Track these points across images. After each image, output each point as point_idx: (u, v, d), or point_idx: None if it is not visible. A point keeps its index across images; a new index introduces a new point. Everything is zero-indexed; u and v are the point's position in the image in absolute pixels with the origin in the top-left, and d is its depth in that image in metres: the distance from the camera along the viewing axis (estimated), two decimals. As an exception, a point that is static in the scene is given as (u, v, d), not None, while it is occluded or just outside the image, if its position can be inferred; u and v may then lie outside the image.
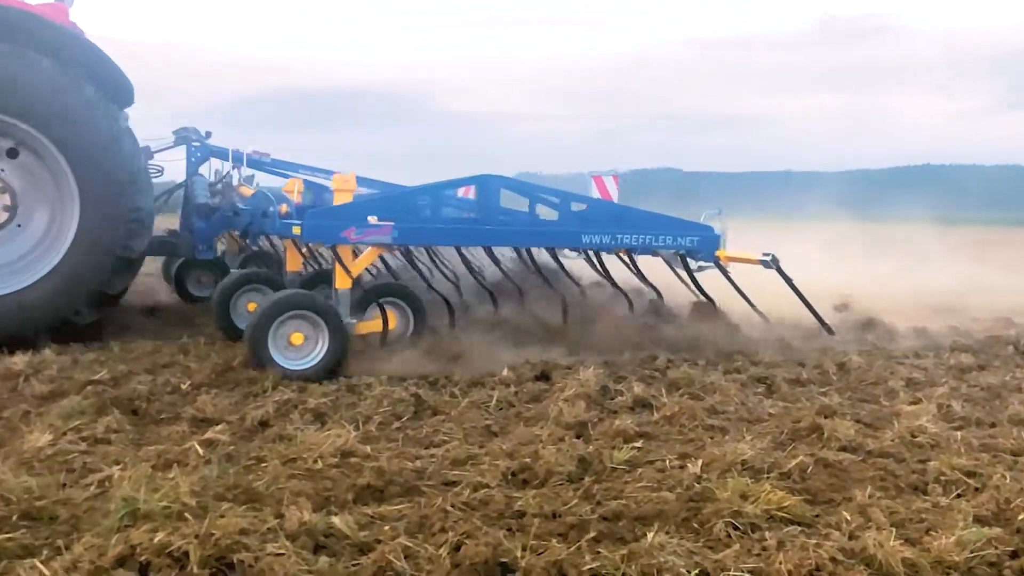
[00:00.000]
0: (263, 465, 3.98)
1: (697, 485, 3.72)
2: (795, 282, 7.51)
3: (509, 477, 3.87)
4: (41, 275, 6.74)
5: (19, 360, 5.77)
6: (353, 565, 2.95)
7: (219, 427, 4.54)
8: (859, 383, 6.12)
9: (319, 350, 5.93)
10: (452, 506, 3.43)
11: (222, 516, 3.09)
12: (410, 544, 3.04)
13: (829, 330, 7.68)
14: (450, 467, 4.02)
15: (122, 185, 6.89)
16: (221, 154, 9.56)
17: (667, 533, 3.21)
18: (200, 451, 4.14)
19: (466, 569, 2.89)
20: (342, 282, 6.30)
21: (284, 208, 7.34)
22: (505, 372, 5.93)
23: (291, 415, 4.86)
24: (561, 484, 3.79)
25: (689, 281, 7.59)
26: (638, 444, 4.35)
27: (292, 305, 5.93)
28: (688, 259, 7.41)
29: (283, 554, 2.89)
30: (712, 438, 4.56)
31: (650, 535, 3.13)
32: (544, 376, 5.94)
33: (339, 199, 6.73)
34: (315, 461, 3.96)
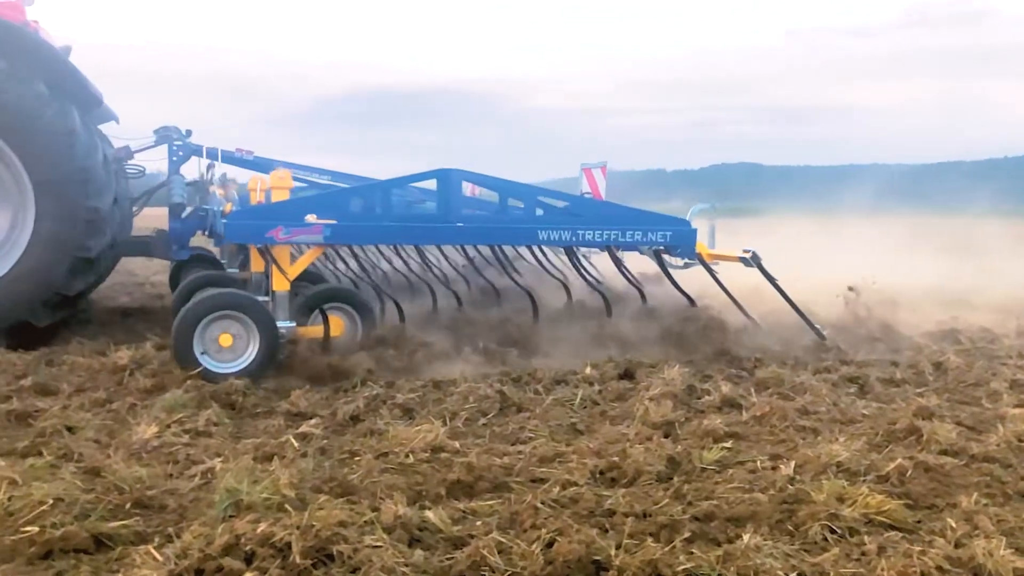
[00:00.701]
0: (356, 459, 4.08)
1: (791, 487, 3.65)
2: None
3: (597, 475, 3.87)
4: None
5: (124, 355, 6.04)
6: (447, 559, 3.00)
7: (312, 421, 4.68)
8: (958, 384, 5.89)
9: (249, 352, 5.70)
10: (542, 503, 3.45)
11: (321, 508, 3.18)
12: (503, 540, 3.07)
13: (820, 335, 7.05)
14: (538, 464, 4.04)
15: (76, 184, 6.77)
16: (201, 153, 9.30)
17: (761, 535, 3.16)
18: (295, 444, 4.28)
19: (559, 566, 2.90)
20: (279, 284, 6.00)
21: (228, 207, 7.20)
22: (588, 370, 5.92)
23: (380, 410, 4.97)
24: (651, 483, 3.77)
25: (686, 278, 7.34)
26: (728, 444, 4.29)
27: (219, 305, 5.70)
28: (670, 256, 7.10)
29: (380, 547, 2.96)
30: (804, 439, 4.47)
31: (745, 537, 3.09)
32: (628, 374, 5.91)
33: (276, 196, 6.47)
34: (406, 456, 4.04)
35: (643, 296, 7.56)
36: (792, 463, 3.95)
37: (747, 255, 6.88)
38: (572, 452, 4.18)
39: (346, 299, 6.58)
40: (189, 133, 9.18)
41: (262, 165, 9.34)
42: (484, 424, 4.80)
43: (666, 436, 4.48)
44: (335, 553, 2.92)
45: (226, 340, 5.65)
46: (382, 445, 4.21)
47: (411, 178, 7.36)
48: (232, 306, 5.71)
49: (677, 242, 6.92)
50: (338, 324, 6.37)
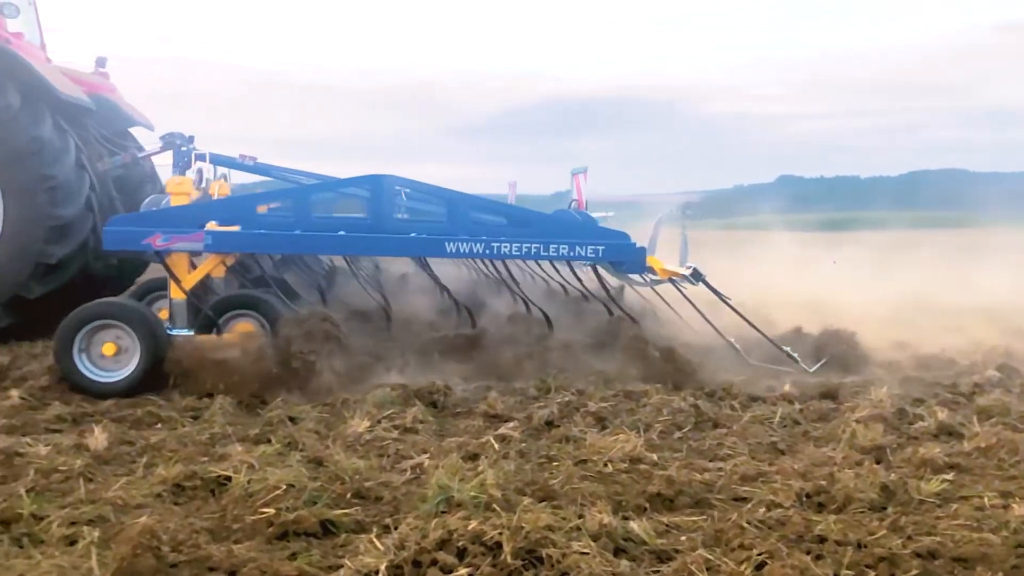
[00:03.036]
0: (554, 464, 4.16)
1: (1026, 529, 3.34)
2: None
3: (803, 499, 3.72)
4: None
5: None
6: (653, 571, 3.00)
7: (510, 424, 4.81)
8: None
9: (132, 363, 5.45)
10: (748, 523, 3.36)
11: (528, 511, 3.26)
12: (710, 557, 3.03)
13: (792, 356, 6.51)
14: (739, 482, 3.94)
15: (42, 191, 6.93)
16: (207, 159, 9.06)
17: (995, 580, 2.91)
18: (496, 446, 4.41)
19: (771, 590, 2.82)
20: (175, 292, 5.88)
21: None
22: (787, 387, 5.71)
23: (574, 417, 5.04)
24: (862, 512, 3.58)
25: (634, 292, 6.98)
26: (948, 476, 3.99)
27: (98, 315, 5.50)
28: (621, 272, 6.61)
29: (587, 554, 2.99)
30: (1038, 476, 4.07)
31: (978, 580, 2.86)
32: (830, 394, 5.65)
33: (175, 203, 6.32)
34: (605, 464, 4.07)
35: (610, 312, 7.23)
36: (1027, 503, 3.61)
37: (688, 271, 6.43)
38: (775, 472, 4.05)
39: (253, 306, 6.30)
40: (192, 139, 9.49)
41: (262, 172, 9.52)
42: (680, 438, 4.74)
43: (877, 462, 4.23)
44: (544, 556, 2.99)
45: (109, 349, 5.47)
46: (580, 452, 4.27)
47: (336, 183, 7.29)
48: (111, 315, 5.54)
49: (614, 257, 6.36)
50: (246, 331, 6.09)
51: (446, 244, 6.15)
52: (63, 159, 7.21)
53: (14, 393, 5.06)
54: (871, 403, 5.14)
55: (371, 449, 4.36)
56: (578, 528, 3.19)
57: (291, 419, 4.88)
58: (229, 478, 3.71)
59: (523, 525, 3.10)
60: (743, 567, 2.94)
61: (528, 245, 6.17)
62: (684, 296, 6.75)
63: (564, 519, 3.26)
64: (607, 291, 7.11)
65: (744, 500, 3.72)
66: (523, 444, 4.51)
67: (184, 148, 8.62)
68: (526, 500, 3.53)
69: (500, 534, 3.06)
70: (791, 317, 7.70)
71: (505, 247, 6.18)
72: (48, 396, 5.15)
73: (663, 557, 3.11)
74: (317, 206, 7.29)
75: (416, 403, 5.18)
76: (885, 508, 3.63)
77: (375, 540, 3.14)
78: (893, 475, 3.98)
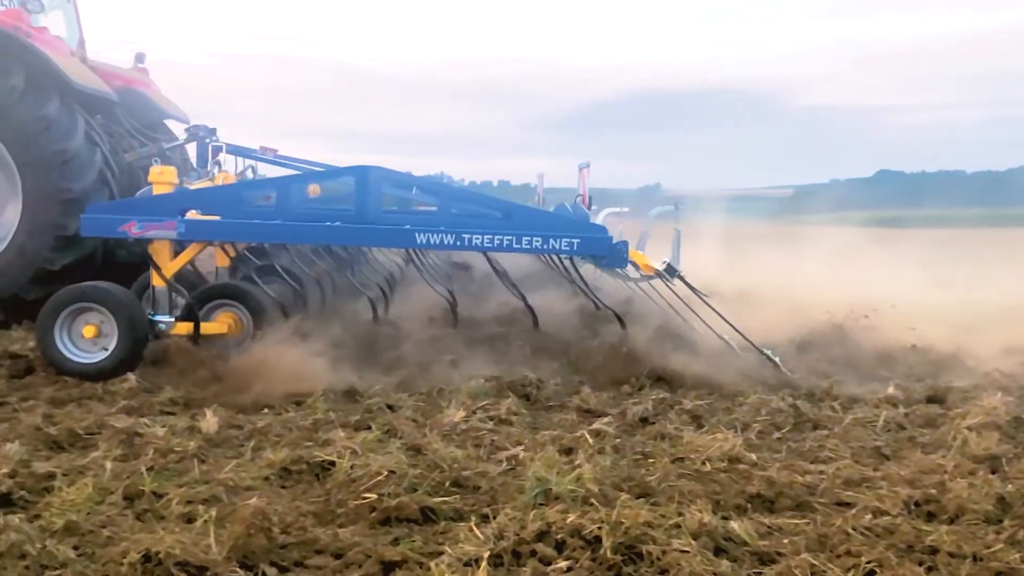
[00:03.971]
0: (650, 461, 4.13)
1: None
2: None
3: (912, 507, 3.59)
4: None
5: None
6: (756, 574, 2.95)
7: (604, 419, 4.80)
8: None
9: (110, 346, 5.59)
10: (853, 529, 3.27)
11: (627, 507, 3.26)
12: (814, 562, 2.96)
13: (771, 360, 6.15)
14: (843, 487, 3.83)
15: (53, 166, 7.34)
16: (232, 151, 9.36)
17: None
18: (590, 440, 4.41)
19: (882, 599, 2.74)
20: (156, 280, 5.97)
21: None
22: (891, 390, 5.52)
23: (668, 414, 4.99)
24: (977, 523, 3.43)
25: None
26: (1073, 490, 3.78)
27: (77, 297, 5.68)
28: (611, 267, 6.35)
29: (688, 552, 2.97)
30: None
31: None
32: (937, 398, 5.43)
33: (157, 192, 6.31)
34: (703, 463, 4.02)
35: (597, 306, 6.99)
36: None
37: (662, 266, 6.16)
38: (881, 478, 3.92)
39: (236, 296, 6.31)
40: (214, 131, 9.25)
41: (284, 164, 9.70)
42: (778, 438, 4.64)
43: (992, 472, 4.04)
44: (644, 552, 2.98)
45: (89, 332, 5.62)
46: (676, 450, 4.23)
47: (321, 175, 7.33)
48: (92, 298, 5.68)
49: (590, 250, 6.20)
50: (230, 322, 6.19)
51: (416, 235, 6.11)
52: (72, 135, 7.57)
53: (131, 376, 5.33)
54: (983, 410, 4.90)
55: (467, 439, 4.42)
56: (677, 526, 3.17)
57: (389, 407, 4.99)
58: (333, 463, 3.82)
59: (622, 521, 3.10)
60: (850, 574, 2.87)
61: (500, 237, 6.07)
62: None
63: (663, 516, 3.24)
64: (584, 286, 7.06)
65: (848, 505, 3.62)
66: (618, 440, 4.50)
67: (207, 140, 8.89)
68: (623, 496, 3.52)
69: (599, 528, 3.07)
70: (898, 323, 7.49)
71: (477, 239, 6.07)
72: (161, 379, 5.40)
73: (765, 559, 3.06)
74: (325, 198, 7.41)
75: (509, 395, 5.23)
76: (1001, 520, 3.47)
77: (475, 529, 3.19)
78: (1010, 486, 3.79)
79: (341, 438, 4.20)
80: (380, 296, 7.47)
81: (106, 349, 5.59)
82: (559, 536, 3.09)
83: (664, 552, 2.97)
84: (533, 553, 3.01)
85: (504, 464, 4.04)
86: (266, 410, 4.90)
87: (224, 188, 7.12)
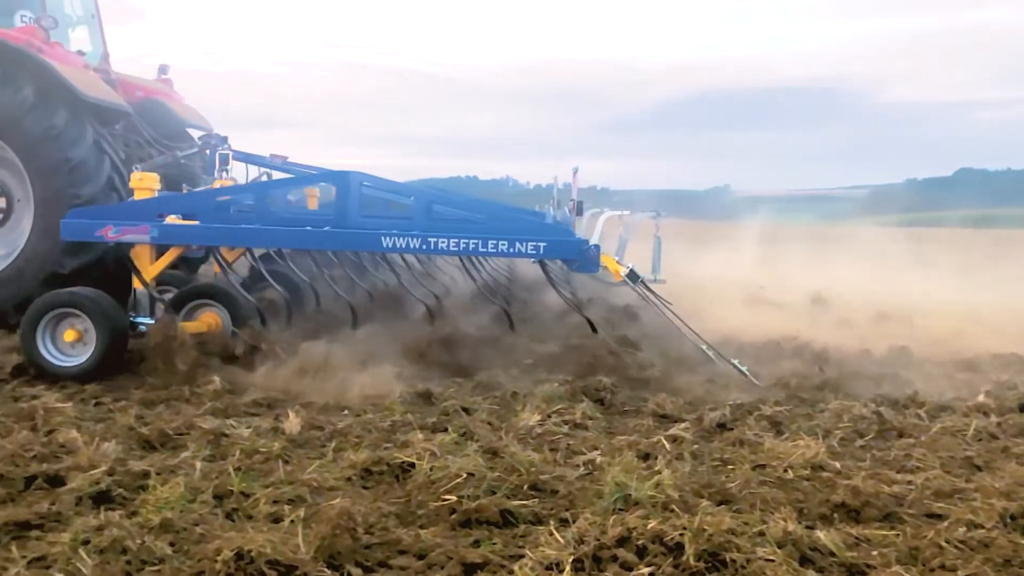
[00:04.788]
0: (730, 468, 4.07)
1: None
2: None
3: (1008, 520, 3.45)
4: (13, 257, 7.76)
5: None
6: (844, 586, 2.88)
7: (681, 425, 4.75)
8: None
9: (88, 349, 5.77)
10: (947, 542, 3.16)
11: (710, 514, 3.21)
12: (905, 575, 2.88)
13: (740, 369, 5.99)
14: (933, 498, 3.72)
15: (62, 173, 7.62)
16: (241, 158, 9.64)
17: None
18: (667, 446, 4.37)
19: (978, 615, 2.64)
20: (137, 283, 6.19)
21: None
22: (982, 398, 5.33)
23: (747, 420, 4.91)
24: (1079, 538, 3.28)
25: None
26: None
27: (57, 304, 5.87)
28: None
29: (773, 561, 2.92)
30: None
31: None
32: (1031, 407, 5.22)
33: (138, 197, 6.52)
34: (785, 470, 3.94)
35: (580, 311, 7.05)
36: None
37: (625, 271, 6.05)
38: (974, 490, 3.79)
39: (213, 296, 6.54)
40: (226, 139, 9.57)
41: (290, 170, 9.79)
42: (862, 446, 4.53)
43: (1096, 485, 3.86)
44: (727, 560, 2.94)
45: (71, 336, 5.82)
46: (757, 456, 4.16)
47: (299, 180, 7.55)
48: (72, 304, 5.86)
49: (557, 254, 6.25)
50: (211, 321, 6.39)
51: (382, 239, 6.18)
52: (80, 144, 7.88)
53: (216, 378, 5.50)
54: (1083, 419, 4.70)
55: (543, 442, 4.43)
56: (761, 534, 3.12)
57: (464, 409, 5.03)
58: (412, 464, 3.88)
59: (705, 527, 3.06)
60: (945, 588, 2.78)
61: (467, 241, 6.11)
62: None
63: (746, 524, 3.19)
64: (555, 288, 7.13)
65: (939, 517, 3.51)
66: (695, 445, 4.45)
67: (218, 148, 9.25)
68: (704, 502, 3.48)
69: (681, 535, 3.04)
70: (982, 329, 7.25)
71: (443, 243, 6.12)
72: (245, 382, 5.56)
73: (854, 571, 2.99)
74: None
75: (583, 399, 5.22)
76: (1106, 536, 3.31)
77: (555, 532, 3.19)
78: (1116, 501, 3.62)
79: (419, 440, 4.25)
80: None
81: (84, 353, 5.79)
82: (640, 542, 3.07)
83: (748, 560, 2.92)
84: (614, 558, 2.99)
85: (581, 468, 4.03)
86: (345, 411, 5.00)
87: (200, 194, 7.41)
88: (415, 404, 5.17)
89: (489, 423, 4.77)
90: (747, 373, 6.00)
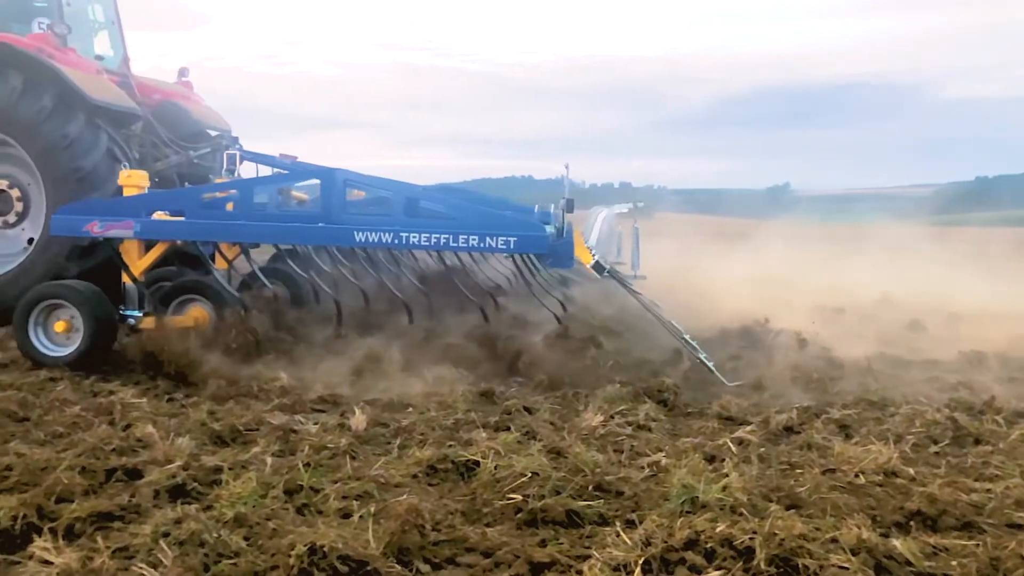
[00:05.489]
0: (798, 472, 4.00)
1: None
2: None
3: (1094, 531, 3.33)
4: (19, 260, 8.03)
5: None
6: (922, 595, 2.80)
7: (747, 428, 4.69)
8: None
9: (77, 339, 6.01)
10: (1030, 552, 3.05)
11: (780, 518, 3.16)
12: (988, 586, 2.79)
13: (707, 365, 5.93)
14: (1014, 507, 3.59)
15: (73, 181, 7.83)
16: (250, 157, 9.63)
17: None
18: (734, 449, 4.31)
19: (1067, 630, 2.55)
20: (125, 277, 6.41)
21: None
22: (1061, 403, 5.13)
23: (815, 423, 4.82)
24: None
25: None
26: None
27: (46, 296, 6.13)
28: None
29: (847, 568, 2.86)
30: None
31: None
32: (1116, 413, 5.00)
33: (127, 194, 6.68)
34: (856, 476, 3.86)
35: (564, 308, 7.11)
36: None
37: (591, 262, 5.94)
38: (1057, 499, 3.65)
39: (199, 291, 6.72)
40: (237, 139, 9.78)
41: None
42: (936, 452, 4.40)
43: None
44: (799, 566, 2.89)
45: (61, 327, 6.09)
46: (827, 461, 4.08)
47: (287, 177, 7.79)
48: (61, 296, 6.14)
49: (528, 248, 6.27)
50: (198, 315, 6.61)
51: (355, 234, 6.30)
52: (92, 153, 8.15)
53: (283, 375, 5.62)
54: None
55: (607, 443, 4.41)
56: (834, 540, 3.05)
57: (526, 409, 5.04)
58: (477, 463, 3.90)
59: (776, 532, 3.01)
60: (1030, 600, 2.68)
61: (438, 236, 6.17)
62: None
63: (818, 529, 3.13)
64: (526, 281, 7.18)
65: (1020, 527, 3.39)
66: (762, 449, 4.38)
67: (229, 149, 9.44)
68: (773, 506, 3.43)
69: (751, 539, 3.00)
70: None
71: (414, 237, 6.18)
72: (312, 378, 5.66)
73: (931, 580, 2.90)
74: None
75: (647, 400, 5.19)
76: None
77: (622, 534, 3.18)
78: None
79: (483, 438, 4.28)
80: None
81: (73, 343, 6.07)
82: (708, 545, 3.03)
83: (821, 567, 2.86)
84: (683, 561, 2.97)
85: (646, 470, 4.00)
86: (410, 408, 5.05)
87: (185, 191, 7.82)
88: (477, 403, 5.20)
89: (551, 423, 4.78)
90: (715, 370, 5.97)
